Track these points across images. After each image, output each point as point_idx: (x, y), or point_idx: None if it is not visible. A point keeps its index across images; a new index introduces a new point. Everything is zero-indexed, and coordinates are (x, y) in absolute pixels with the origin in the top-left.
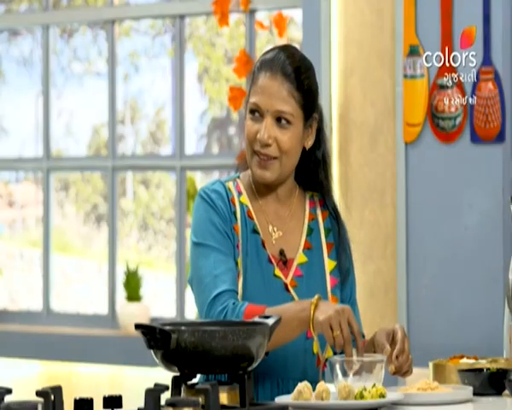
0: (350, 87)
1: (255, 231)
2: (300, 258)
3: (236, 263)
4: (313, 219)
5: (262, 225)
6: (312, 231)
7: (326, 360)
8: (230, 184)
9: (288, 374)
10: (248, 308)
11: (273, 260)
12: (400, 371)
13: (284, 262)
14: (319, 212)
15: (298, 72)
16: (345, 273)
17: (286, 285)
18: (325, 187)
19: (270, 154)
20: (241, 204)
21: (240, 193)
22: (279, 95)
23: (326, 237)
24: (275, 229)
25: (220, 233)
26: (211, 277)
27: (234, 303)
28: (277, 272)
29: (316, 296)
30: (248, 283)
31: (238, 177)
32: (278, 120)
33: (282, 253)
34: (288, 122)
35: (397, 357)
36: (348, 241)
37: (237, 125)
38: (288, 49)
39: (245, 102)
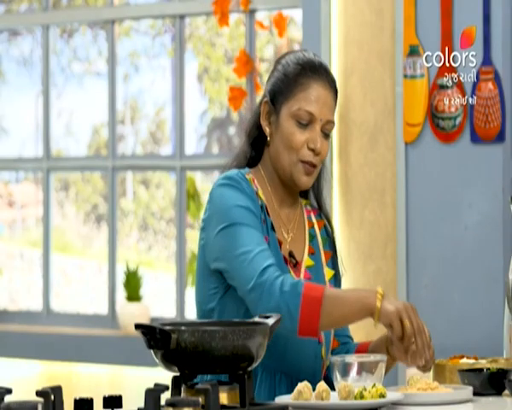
0: (350, 87)
1: (273, 229)
2: (307, 261)
3: None
4: (312, 226)
5: (277, 225)
6: (313, 237)
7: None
8: (250, 177)
9: (301, 376)
10: (307, 285)
11: (287, 262)
12: (426, 366)
13: (294, 264)
14: (315, 221)
15: (335, 82)
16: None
17: None
18: (316, 189)
19: (317, 163)
20: (260, 199)
21: (257, 188)
22: (330, 105)
23: (323, 245)
24: (288, 231)
25: (255, 216)
26: (260, 249)
27: (289, 277)
28: (292, 273)
29: (379, 287)
30: None
31: (249, 172)
32: (322, 129)
33: (291, 254)
34: (330, 133)
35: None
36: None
37: (237, 126)
38: (316, 55)
39: (269, 101)
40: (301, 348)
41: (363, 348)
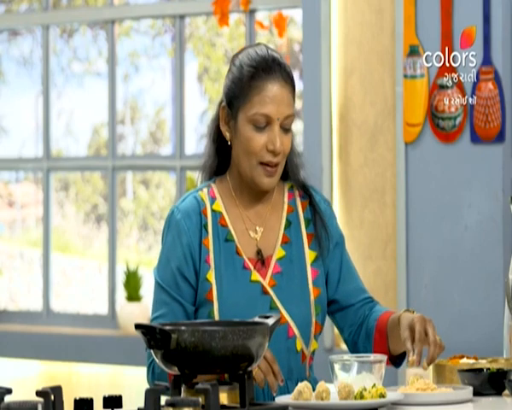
0: (350, 87)
1: (228, 240)
2: (279, 253)
3: (206, 279)
4: (292, 211)
5: (239, 229)
6: (291, 223)
7: (312, 352)
8: (204, 192)
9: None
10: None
11: (250, 265)
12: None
13: (262, 262)
14: (299, 203)
15: (291, 73)
16: (327, 246)
17: (263, 288)
18: (293, 168)
19: (278, 161)
20: (214, 212)
21: (214, 199)
22: (286, 101)
23: (306, 227)
24: (256, 229)
25: (179, 273)
26: (156, 315)
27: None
28: (254, 276)
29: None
30: (224, 293)
31: (214, 181)
32: (281, 125)
33: (259, 253)
34: (290, 126)
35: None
36: (326, 222)
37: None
38: (268, 47)
39: (226, 106)
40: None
41: (382, 324)
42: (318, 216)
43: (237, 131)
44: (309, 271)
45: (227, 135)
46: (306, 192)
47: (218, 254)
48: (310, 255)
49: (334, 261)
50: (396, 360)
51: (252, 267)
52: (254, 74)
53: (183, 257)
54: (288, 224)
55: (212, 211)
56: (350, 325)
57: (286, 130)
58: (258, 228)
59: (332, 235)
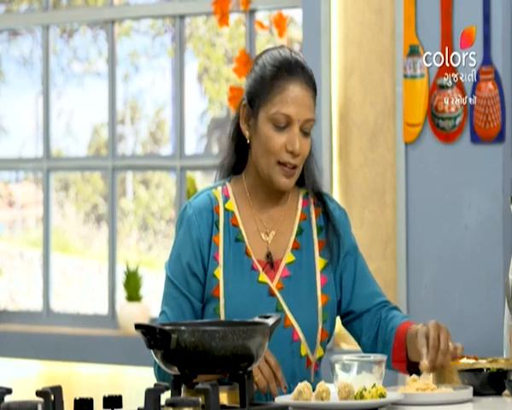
0: (350, 87)
1: (238, 240)
2: (288, 258)
3: (214, 275)
4: (305, 218)
5: (250, 230)
6: (303, 230)
7: (318, 359)
8: (218, 191)
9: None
10: None
11: (258, 266)
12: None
13: (271, 265)
14: (312, 210)
15: (313, 78)
16: (338, 258)
17: (270, 290)
18: (309, 177)
19: (297, 163)
20: (226, 211)
21: (227, 198)
22: (308, 104)
23: (318, 234)
24: (267, 232)
25: (188, 269)
26: (163, 310)
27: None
28: (262, 277)
29: None
30: (231, 290)
31: (229, 181)
32: (301, 128)
33: (268, 256)
34: (310, 130)
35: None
36: (339, 229)
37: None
38: (291, 50)
39: (247, 103)
40: (271, 348)
41: (401, 333)
42: (331, 223)
43: (257, 129)
44: (318, 278)
45: (246, 134)
46: (320, 199)
47: (228, 253)
48: (320, 262)
49: (346, 270)
50: (412, 368)
51: (260, 269)
52: (277, 74)
53: (193, 253)
54: (300, 231)
55: (225, 209)
56: (367, 329)
57: (305, 133)
58: (269, 231)
59: (344, 243)
